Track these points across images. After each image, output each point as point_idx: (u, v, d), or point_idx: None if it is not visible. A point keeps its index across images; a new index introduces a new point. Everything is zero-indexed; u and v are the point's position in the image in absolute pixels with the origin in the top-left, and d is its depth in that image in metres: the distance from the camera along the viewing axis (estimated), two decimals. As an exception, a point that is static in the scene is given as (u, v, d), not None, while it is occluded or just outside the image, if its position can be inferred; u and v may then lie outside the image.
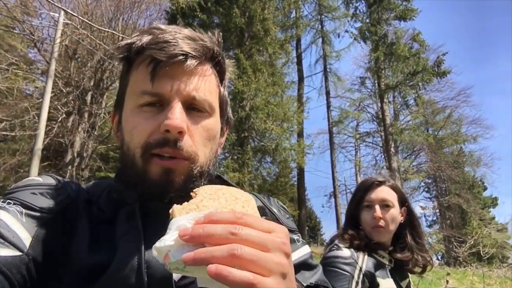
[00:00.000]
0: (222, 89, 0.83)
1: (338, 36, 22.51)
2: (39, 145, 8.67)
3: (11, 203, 0.68)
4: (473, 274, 12.31)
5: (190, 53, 0.71)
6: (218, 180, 0.87)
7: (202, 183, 0.75)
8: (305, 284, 0.86)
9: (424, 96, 20.39)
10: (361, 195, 1.90)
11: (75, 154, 13.86)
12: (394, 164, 20.24)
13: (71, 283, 0.66)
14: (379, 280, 1.71)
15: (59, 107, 12.64)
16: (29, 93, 14.00)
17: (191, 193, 0.58)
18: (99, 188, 0.82)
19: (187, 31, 0.75)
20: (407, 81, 18.54)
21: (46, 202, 0.71)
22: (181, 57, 0.70)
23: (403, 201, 1.89)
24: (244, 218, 0.49)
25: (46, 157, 14.10)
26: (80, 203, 0.75)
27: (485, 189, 33.14)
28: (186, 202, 0.54)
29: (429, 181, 29.88)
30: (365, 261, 1.72)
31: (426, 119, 26.19)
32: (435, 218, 33.26)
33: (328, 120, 23.29)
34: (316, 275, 0.91)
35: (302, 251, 0.92)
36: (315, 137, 25.67)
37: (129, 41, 0.74)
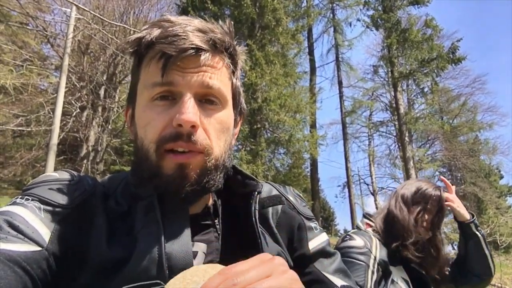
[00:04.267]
0: (234, 80, 0.82)
1: (350, 25, 22.24)
2: (55, 140, 8.78)
3: (29, 199, 0.69)
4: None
5: (200, 46, 0.70)
6: (234, 171, 0.87)
7: (218, 176, 0.75)
8: (324, 272, 0.87)
9: (439, 84, 20.06)
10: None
11: (90, 148, 14.01)
12: (408, 154, 20.03)
13: (90, 277, 0.66)
14: (391, 268, 1.72)
15: (73, 101, 12.77)
16: (43, 89, 14.15)
17: None
18: (115, 181, 0.83)
19: (197, 23, 0.74)
20: (421, 69, 18.25)
21: (64, 198, 0.72)
22: (191, 51, 0.70)
23: (441, 209, 1.91)
24: (233, 269, 0.48)
25: (62, 151, 14.30)
26: (97, 197, 0.76)
27: (501, 177, 32.70)
28: None
29: (444, 170, 29.58)
30: (378, 250, 1.73)
31: (441, 107, 25.87)
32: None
33: (341, 110, 23.14)
34: (335, 263, 0.92)
35: (320, 239, 0.93)
36: (328, 128, 25.59)
37: (138, 35, 0.73)
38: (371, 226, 1.88)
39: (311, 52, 21.87)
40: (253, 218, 0.79)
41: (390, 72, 21.26)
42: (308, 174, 20.71)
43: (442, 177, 2.16)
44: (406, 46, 18.42)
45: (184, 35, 0.70)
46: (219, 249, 0.79)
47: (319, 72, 22.39)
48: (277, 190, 0.94)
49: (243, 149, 15.48)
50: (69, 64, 10.40)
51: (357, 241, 1.71)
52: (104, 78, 14.09)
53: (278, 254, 0.79)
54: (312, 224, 0.94)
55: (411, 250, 1.78)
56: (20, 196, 0.71)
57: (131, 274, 0.64)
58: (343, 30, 22.79)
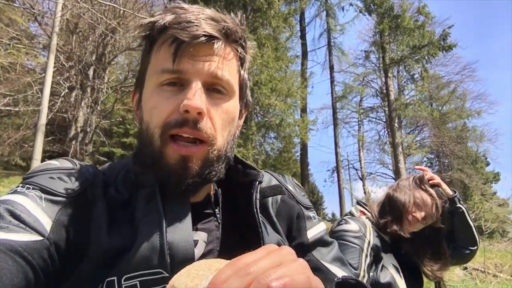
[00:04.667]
0: (242, 72, 0.82)
1: (343, 9, 22.13)
2: (43, 120, 8.66)
3: (30, 188, 0.69)
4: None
5: (212, 34, 0.71)
6: (235, 160, 0.87)
7: (220, 167, 0.76)
8: (322, 261, 0.88)
9: (429, 71, 20.15)
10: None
11: (79, 129, 13.85)
12: (397, 140, 20.22)
13: (91, 266, 0.66)
14: (382, 254, 1.78)
15: (61, 82, 12.55)
16: (31, 68, 13.89)
17: None
18: (116, 169, 0.83)
19: (209, 12, 0.74)
20: (413, 55, 18.30)
21: (64, 186, 0.72)
22: (203, 38, 0.70)
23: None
24: (243, 260, 0.46)
25: (50, 132, 14.13)
26: (98, 186, 0.75)
27: (487, 164, 33.14)
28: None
29: (432, 156, 29.93)
30: (372, 235, 1.78)
31: (431, 94, 25.99)
32: (437, 193, 33.28)
33: (332, 95, 23.15)
34: (333, 252, 0.93)
35: (319, 228, 0.94)
36: (318, 112, 25.75)
37: (152, 19, 0.73)
38: (364, 214, 1.93)
39: (303, 36, 21.77)
40: (254, 208, 0.80)
41: (381, 58, 21.29)
42: (298, 158, 20.88)
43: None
44: (398, 33, 18.43)
45: (197, 22, 0.70)
46: (219, 238, 0.80)
47: (310, 57, 22.39)
48: (277, 180, 0.95)
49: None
50: (57, 44, 10.21)
51: (352, 226, 1.75)
52: (93, 58, 13.84)
53: (278, 243, 0.81)
54: (311, 214, 0.95)
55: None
56: (21, 185, 0.71)
57: (132, 262, 0.65)
58: (336, 15, 22.68)
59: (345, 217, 1.88)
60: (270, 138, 17.45)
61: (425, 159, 28.97)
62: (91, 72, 14.11)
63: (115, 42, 13.94)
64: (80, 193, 0.72)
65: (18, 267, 0.59)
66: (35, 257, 0.61)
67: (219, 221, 0.82)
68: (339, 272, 0.89)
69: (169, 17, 0.71)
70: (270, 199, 0.89)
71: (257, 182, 0.84)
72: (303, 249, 0.89)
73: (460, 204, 1.97)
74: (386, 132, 23.96)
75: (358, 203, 2.05)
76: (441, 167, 30.78)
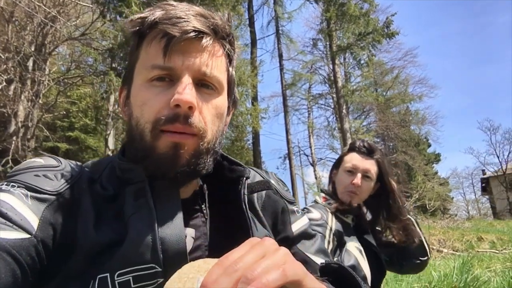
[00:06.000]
0: (231, 69, 0.85)
1: (290, -3, 22.28)
2: (-20, 116, 8.13)
3: (15, 186, 0.69)
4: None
5: (202, 30, 0.72)
6: (221, 157, 0.89)
7: (208, 160, 0.77)
8: (306, 253, 0.91)
9: (374, 57, 20.82)
10: (346, 157, 1.98)
11: (20, 124, 13.08)
12: (345, 125, 20.79)
13: (79, 262, 0.66)
14: (345, 238, 1.81)
15: (-2, 74, 11.81)
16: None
17: None
18: (100, 167, 0.83)
19: (198, 8, 0.76)
20: (358, 42, 18.79)
21: (50, 184, 0.71)
22: (193, 34, 0.71)
23: (380, 178, 1.95)
24: (229, 258, 0.49)
25: (-12, 128, 13.29)
26: (83, 183, 0.75)
27: (429, 145, 35.07)
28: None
29: (378, 139, 31.15)
30: (334, 222, 1.82)
31: (375, 80, 26.97)
32: (383, 175, 34.84)
33: (282, 83, 23.33)
34: (316, 244, 0.96)
35: (302, 222, 0.97)
36: (269, 100, 25.88)
37: (142, 15, 0.74)
38: (327, 200, 1.96)
39: (251, 24, 21.66)
40: (243, 204, 0.81)
41: (328, 46, 21.70)
42: (251, 147, 20.93)
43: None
44: (344, 20, 18.81)
45: (187, 18, 0.72)
46: (207, 234, 0.81)
47: (259, 45, 22.31)
48: (260, 176, 0.97)
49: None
50: (-9, 34, 9.55)
51: (314, 214, 1.79)
52: (33, 49, 13.06)
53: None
54: (294, 208, 0.98)
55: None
56: (6, 183, 0.70)
57: (125, 258, 0.65)
58: (283, 2, 22.75)
59: (308, 206, 1.92)
60: (222, 127, 17.36)
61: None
62: (30, 64, 13.31)
63: (56, 32, 13.23)
64: (66, 190, 0.72)
65: (6, 265, 0.59)
66: (22, 254, 0.61)
67: (206, 217, 0.83)
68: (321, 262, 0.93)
69: (158, 13, 0.72)
70: (255, 194, 0.91)
71: (245, 178, 0.85)
72: (288, 242, 0.91)
73: (410, 215, 2.03)
74: (335, 118, 24.62)
75: (322, 190, 2.08)
76: (386, 150, 32.10)
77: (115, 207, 0.73)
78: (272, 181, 0.98)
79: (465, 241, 14.34)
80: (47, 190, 0.70)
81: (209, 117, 0.75)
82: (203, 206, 0.84)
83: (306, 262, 0.89)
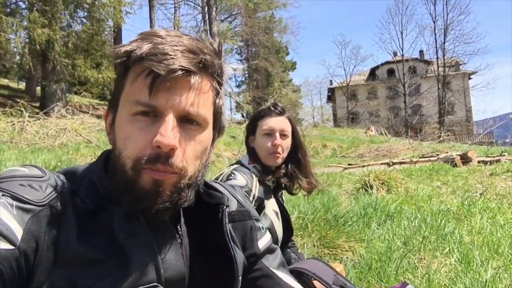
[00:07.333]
0: (217, 101, 0.82)
1: None
2: None
3: (0, 194, 0.66)
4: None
5: (189, 69, 0.71)
6: (206, 186, 0.92)
7: (190, 193, 0.77)
8: (270, 267, 1.00)
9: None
10: (260, 122, 2.01)
11: None
12: (214, 28, 20.47)
13: (61, 274, 0.66)
14: (265, 202, 1.91)
15: None
16: None
17: None
18: (76, 178, 0.80)
19: (187, 41, 0.73)
20: None
21: (35, 194, 0.69)
22: (180, 72, 0.69)
23: (293, 133, 2.03)
24: None
25: None
26: (66, 194, 0.74)
27: (287, 54, 36.88)
28: None
29: (242, 44, 31.54)
30: (257, 188, 1.86)
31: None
32: (243, 79, 36.17)
33: (148, -26, 21.34)
34: (278, 258, 1.05)
35: (266, 238, 1.04)
36: (133, -8, 23.48)
37: (127, 48, 0.72)
38: (252, 163, 2.02)
39: None
40: (226, 236, 0.86)
41: None
42: (112, 42, 19.26)
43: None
44: None
45: (174, 55, 0.69)
46: (183, 255, 0.83)
47: None
48: (228, 191, 1.00)
49: (35, 9, 13.28)
50: None
51: (240, 181, 1.79)
52: None
53: (242, 261, 0.91)
54: (260, 225, 1.03)
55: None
56: None
57: (129, 282, 0.67)
58: None
59: (234, 170, 1.90)
60: (80, 18, 15.60)
61: (235, 46, 30.35)
62: None
63: None
64: (51, 201, 0.70)
65: None
66: (4, 265, 0.60)
67: (182, 238, 0.84)
68: (285, 277, 1.01)
69: (145, 47, 0.70)
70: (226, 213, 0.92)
71: (225, 206, 0.88)
72: (255, 258, 0.98)
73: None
74: (202, 19, 23.85)
75: (249, 152, 2.08)
76: (249, 55, 32.90)
77: (96, 222, 0.72)
78: (239, 197, 1.02)
79: (313, 148, 16.30)
80: (32, 201, 0.68)
81: (192, 153, 0.75)
82: (178, 227, 0.85)
83: (271, 276, 0.98)
